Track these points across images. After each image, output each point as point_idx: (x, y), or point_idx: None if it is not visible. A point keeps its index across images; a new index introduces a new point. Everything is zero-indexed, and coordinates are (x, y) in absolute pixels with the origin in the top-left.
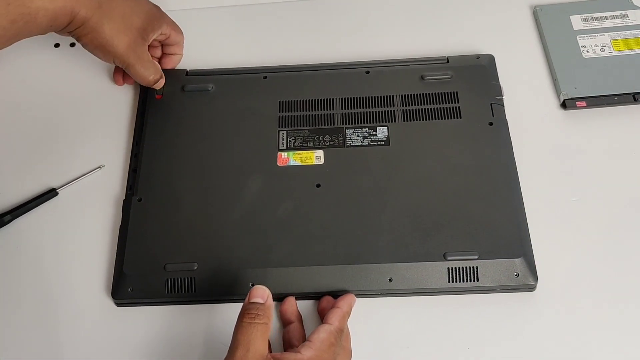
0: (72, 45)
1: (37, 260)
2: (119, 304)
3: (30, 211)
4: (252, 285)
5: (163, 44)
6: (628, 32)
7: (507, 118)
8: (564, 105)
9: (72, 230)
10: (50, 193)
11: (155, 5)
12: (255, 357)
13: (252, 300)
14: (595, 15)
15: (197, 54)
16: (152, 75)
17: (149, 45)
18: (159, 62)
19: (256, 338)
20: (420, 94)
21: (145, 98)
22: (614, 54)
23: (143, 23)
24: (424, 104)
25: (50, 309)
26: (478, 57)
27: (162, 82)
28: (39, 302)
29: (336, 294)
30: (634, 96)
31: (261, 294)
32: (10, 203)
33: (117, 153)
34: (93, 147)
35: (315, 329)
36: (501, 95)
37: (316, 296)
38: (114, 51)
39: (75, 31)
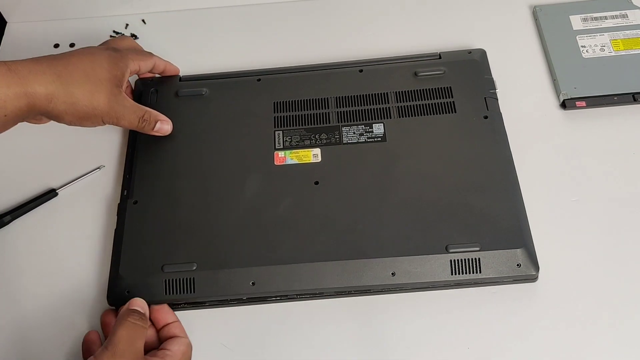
0: (72, 45)
1: (36, 261)
2: (117, 309)
3: (30, 211)
4: (253, 284)
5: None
6: (627, 32)
7: (506, 118)
8: (563, 105)
9: (71, 232)
10: (50, 193)
11: (111, 47)
12: (136, 353)
13: (133, 307)
14: (594, 15)
15: (189, 58)
16: (142, 121)
17: None
18: None
19: (138, 337)
20: (414, 90)
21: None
22: (613, 54)
23: (109, 72)
24: (419, 100)
25: (49, 311)
26: (470, 51)
27: (164, 127)
28: (38, 305)
29: (338, 290)
30: (633, 96)
31: (141, 304)
32: (10, 203)
33: (117, 155)
34: (93, 148)
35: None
36: (494, 88)
37: (317, 294)
38: (99, 113)
39: (50, 111)
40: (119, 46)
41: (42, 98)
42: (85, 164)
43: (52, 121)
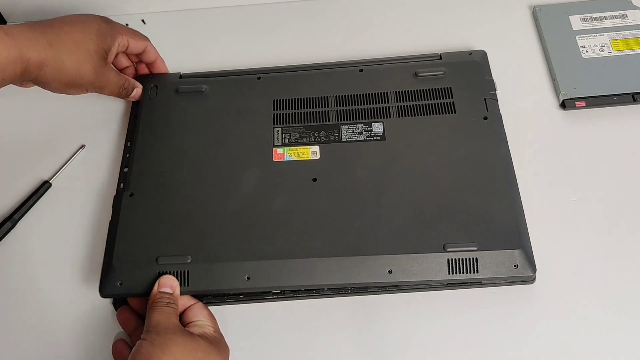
0: None
1: (33, 258)
2: (116, 305)
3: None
4: (248, 278)
5: (129, 54)
6: (627, 32)
7: (506, 118)
8: (563, 105)
9: (67, 225)
10: (45, 185)
11: (103, 19)
12: (176, 327)
13: (162, 290)
14: (594, 15)
15: (189, 58)
16: (123, 89)
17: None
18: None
19: (172, 316)
20: (414, 91)
21: (139, 101)
22: (613, 54)
23: (97, 44)
24: (419, 100)
25: (45, 308)
26: (470, 52)
27: (138, 92)
28: (35, 304)
29: (335, 287)
30: (633, 96)
31: (170, 284)
32: (8, 203)
33: (112, 149)
34: (89, 144)
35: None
36: (494, 89)
37: (314, 292)
38: (85, 82)
39: (39, 77)
40: (113, 20)
41: (35, 64)
42: (80, 161)
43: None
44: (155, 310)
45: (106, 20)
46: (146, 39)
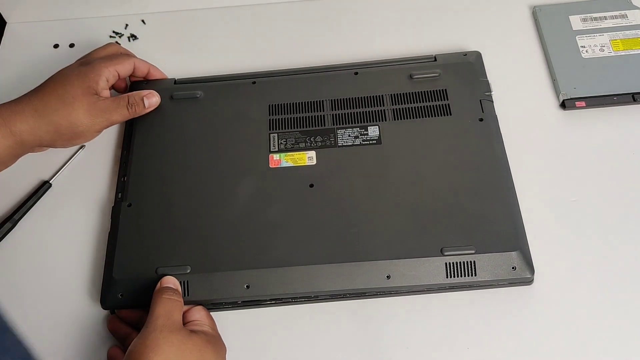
0: (72, 45)
1: (33, 258)
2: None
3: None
4: (248, 287)
5: (122, 79)
6: (627, 32)
7: (506, 118)
8: (563, 105)
9: (64, 236)
10: (45, 186)
11: (81, 62)
12: (175, 324)
13: (166, 285)
14: (594, 15)
15: (186, 60)
16: (131, 105)
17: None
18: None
19: (174, 311)
20: (409, 93)
21: None
22: (613, 54)
23: (81, 87)
24: (414, 102)
25: (46, 320)
26: (465, 54)
27: (152, 99)
28: (34, 303)
29: (334, 293)
30: (633, 96)
31: (173, 281)
32: (8, 203)
33: (112, 149)
34: (89, 144)
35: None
36: (490, 91)
37: (313, 297)
38: (84, 127)
39: (39, 142)
40: (93, 57)
41: (27, 133)
42: (76, 167)
43: None
44: (158, 302)
45: (84, 62)
46: (130, 56)
